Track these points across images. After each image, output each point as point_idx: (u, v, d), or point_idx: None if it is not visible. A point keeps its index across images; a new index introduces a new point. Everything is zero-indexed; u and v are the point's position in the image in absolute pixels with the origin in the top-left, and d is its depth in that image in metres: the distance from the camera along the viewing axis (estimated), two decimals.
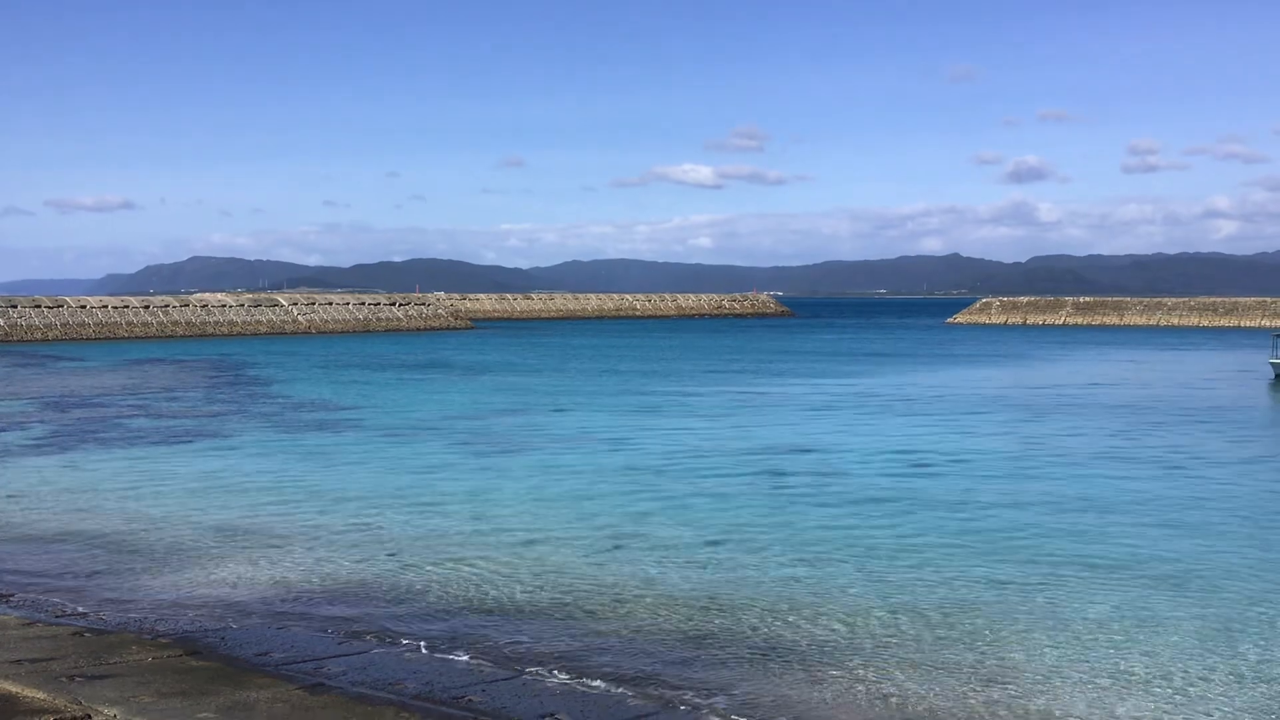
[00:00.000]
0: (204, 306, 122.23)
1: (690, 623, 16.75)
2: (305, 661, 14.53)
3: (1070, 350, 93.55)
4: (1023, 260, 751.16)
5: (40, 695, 11.96)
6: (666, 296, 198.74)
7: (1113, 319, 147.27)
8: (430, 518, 24.66)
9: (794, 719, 13.02)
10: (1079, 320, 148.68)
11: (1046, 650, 15.41)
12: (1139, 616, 16.97)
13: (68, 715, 11.32)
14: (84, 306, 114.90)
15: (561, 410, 46.96)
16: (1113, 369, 71.92)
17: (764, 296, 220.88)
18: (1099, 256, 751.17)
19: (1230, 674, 14.49)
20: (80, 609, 17.29)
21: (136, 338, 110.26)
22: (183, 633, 15.85)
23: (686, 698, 13.58)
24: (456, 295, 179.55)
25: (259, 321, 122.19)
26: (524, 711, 12.80)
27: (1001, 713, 13.26)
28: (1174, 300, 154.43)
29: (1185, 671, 14.58)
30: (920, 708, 13.37)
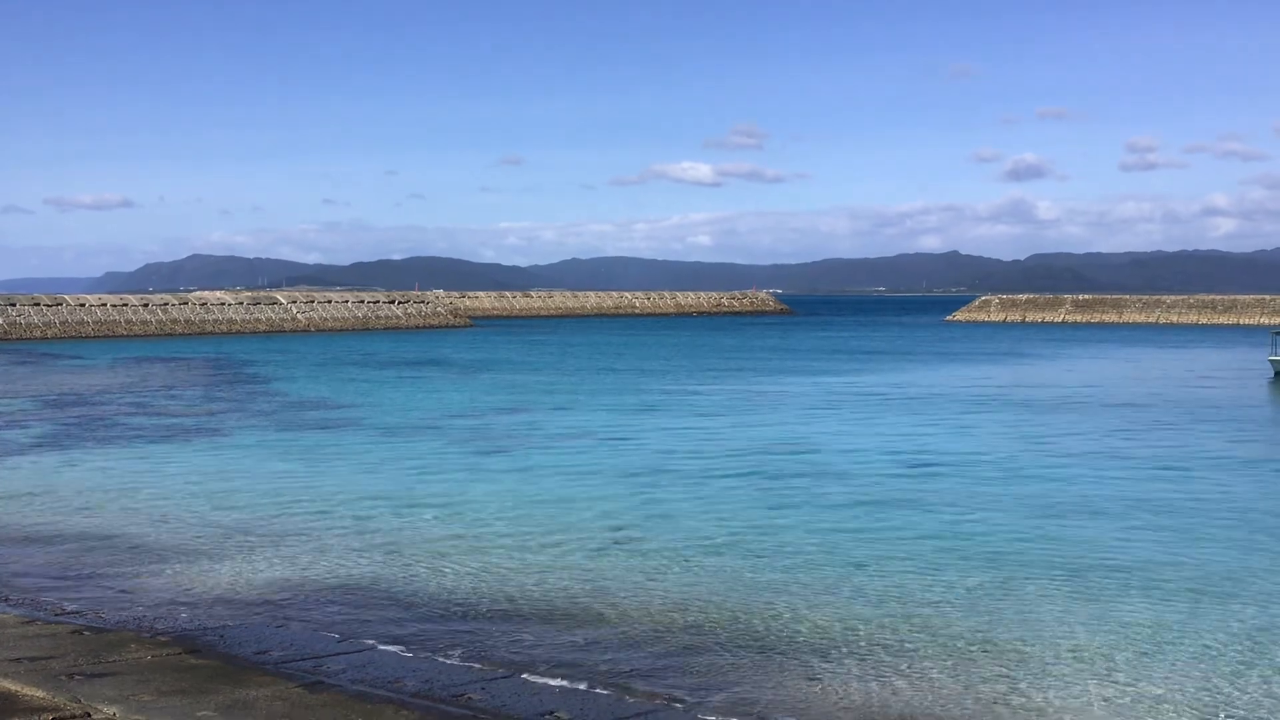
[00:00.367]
0: (203, 305, 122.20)
1: (688, 621, 16.76)
2: (304, 660, 14.54)
3: (1069, 348, 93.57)
4: (1021, 258, 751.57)
5: (39, 693, 11.96)
6: (666, 294, 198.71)
7: (1112, 317, 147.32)
8: (429, 516, 24.66)
9: (795, 713, 13.03)
10: (1078, 318, 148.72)
11: (1044, 649, 15.43)
12: (1138, 616, 16.99)
13: (67, 714, 11.32)
14: (83, 305, 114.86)
15: (561, 409, 46.96)
16: (1112, 367, 71.93)
17: (763, 294, 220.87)
18: (1098, 254, 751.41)
19: (1231, 672, 14.51)
20: (79, 607, 17.29)
21: (135, 336, 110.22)
22: (182, 631, 15.86)
23: (685, 696, 13.59)
24: (456, 293, 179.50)
25: (258, 320, 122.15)
26: (523, 709, 12.81)
27: (1001, 711, 13.27)
28: (1173, 298, 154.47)
29: (1186, 669, 14.60)
30: (918, 707, 13.39)
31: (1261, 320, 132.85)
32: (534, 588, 18.69)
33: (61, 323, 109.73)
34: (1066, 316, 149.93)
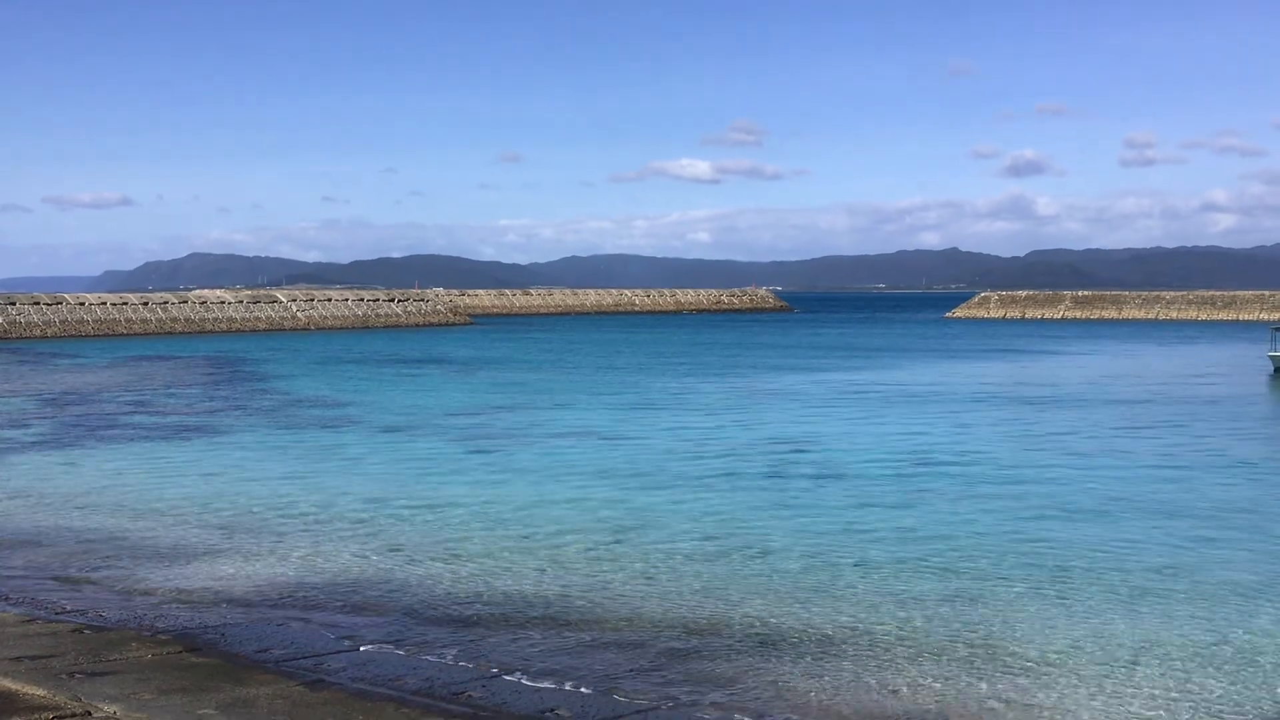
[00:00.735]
0: (203, 303, 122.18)
1: (690, 617, 16.77)
2: (305, 658, 14.55)
3: (1069, 344, 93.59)
4: (1021, 254, 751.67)
5: (40, 692, 11.97)
6: (665, 292, 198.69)
7: (1111, 313, 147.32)
8: (429, 514, 24.67)
9: (793, 712, 13.04)
10: (1078, 314, 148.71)
11: (1046, 644, 15.43)
12: (1140, 611, 17.00)
13: (68, 712, 11.32)
14: (83, 303, 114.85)
15: (561, 406, 46.97)
16: (1111, 363, 71.95)
17: (762, 291, 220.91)
18: (1097, 250, 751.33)
19: (1230, 670, 14.52)
20: (79, 606, 17.28)
21: (135, 334, 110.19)
22: (183, 629, 15.86)
23: (686, 692, 13.60)
24: (455, 291, 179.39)
25: (258, 318, 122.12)
26: (524, 707, 12.82)
27: (1001, 707, 13.28)
28: (1172, 294, 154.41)
29: (1186, 667, 14.60)
30: (920, 701, 13.40)
31: (1261, 316, 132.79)
32: (534, 586, 18.70)
33: (61, 321, 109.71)
34: (1066, 313, 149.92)
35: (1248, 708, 13.22)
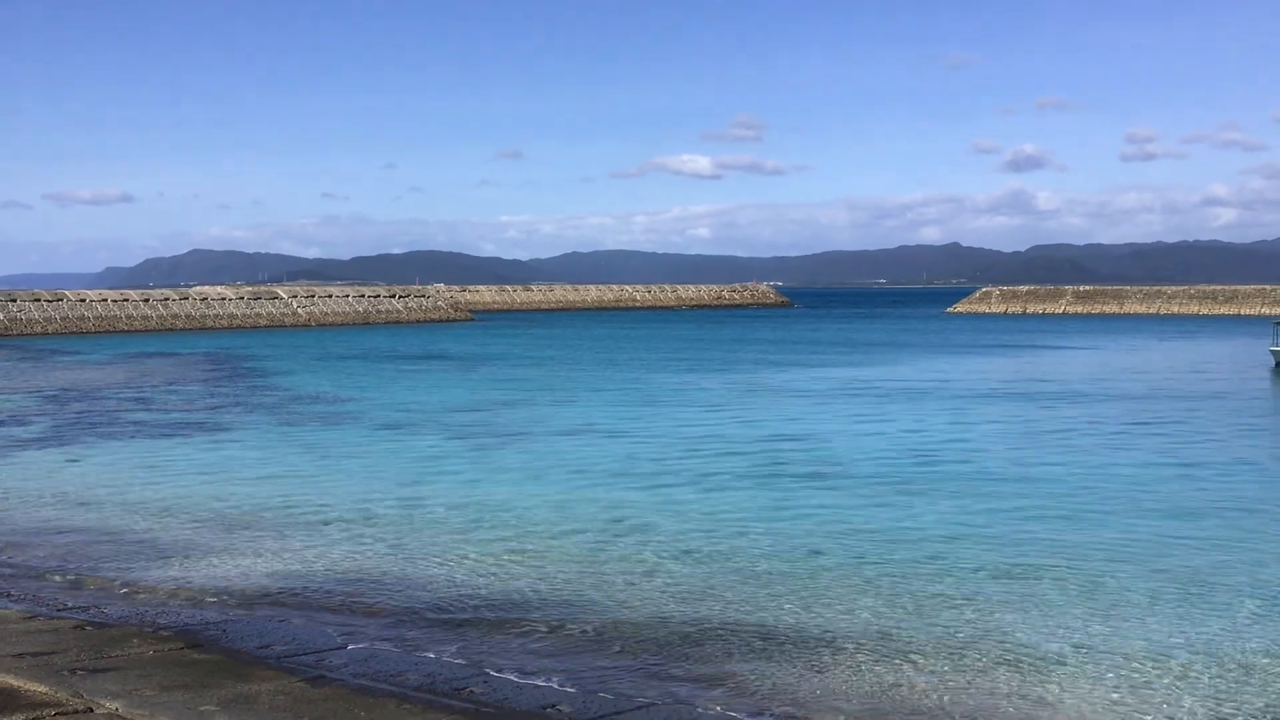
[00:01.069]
0: (203, 299, 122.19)
1: (690, 613, 16.77)
2: (307, 654, 14.55)
3: (1070, 339, 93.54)
4: (1022, 249, 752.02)
5: (42, 689, 11.97)
6: (666, 287, 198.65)
7: (1113, 308, 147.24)
8: (431, 510, 24.68)
9: (793, 707, 13.04)
10: (1079, 309, 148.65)
11: (1047, 641, 15.43)
12: (1142, 608, 16.99)
13: (69, 709, 11.33)
14: (83, 300, 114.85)
15: (562, 402, 46.97)
16: (1113, 358, 71.91)
17: (763, 287, 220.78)
18: (1098, 245, 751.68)
19: (1230, 667, 14.51)
20: (81, 602, 17.30)
21: (136, 331, 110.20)
22: (184, 626, 15.87)
23: (686, 687, 13.60)
24: (456, 287, 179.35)
25: (258, 314, 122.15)
26: (525, 703, 12.83)
27: (1001, 703, 13.28)
28: (1174, 289, 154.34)
29: (1185, 665, 14.60)
30: (919, 697, 13.40)
31: (1262, 310, 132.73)
32: (534, 582, 18.69)
33: (62, 318, 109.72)
34: (1067, 308, 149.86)
35: (1251, 706, 13.22)
